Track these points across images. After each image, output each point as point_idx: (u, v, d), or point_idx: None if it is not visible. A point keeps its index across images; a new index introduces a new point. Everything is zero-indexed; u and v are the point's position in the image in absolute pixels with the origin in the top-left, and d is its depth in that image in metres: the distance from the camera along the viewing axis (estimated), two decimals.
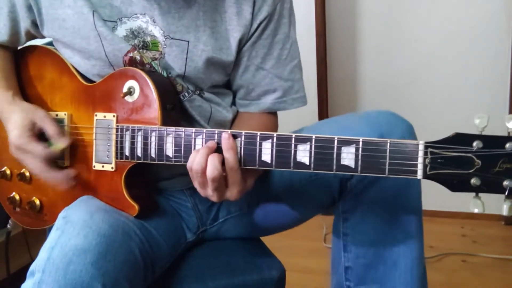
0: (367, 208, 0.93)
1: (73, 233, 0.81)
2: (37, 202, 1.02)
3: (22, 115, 0.93)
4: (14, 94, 0.98)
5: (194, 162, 0.81)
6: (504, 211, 0.71)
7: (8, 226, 1.14)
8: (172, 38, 0.94)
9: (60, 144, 0.93)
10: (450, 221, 2.31)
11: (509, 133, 0.70)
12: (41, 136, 0.94)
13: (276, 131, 1.06)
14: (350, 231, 0.96)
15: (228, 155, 0.81)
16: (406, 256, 0.92)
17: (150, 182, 1.02)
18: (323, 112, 2.42)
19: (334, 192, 0.96)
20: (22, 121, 0.92)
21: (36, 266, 0.78)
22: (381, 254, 0.93)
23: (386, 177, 0.86)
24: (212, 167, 0.80)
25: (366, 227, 0.94)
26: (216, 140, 0.83)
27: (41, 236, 1.10)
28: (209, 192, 0.83)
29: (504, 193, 0.70)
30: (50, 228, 1.02)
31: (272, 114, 1.07)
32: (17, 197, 1.05)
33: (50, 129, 0.93)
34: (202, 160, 0.81)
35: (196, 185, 0.84)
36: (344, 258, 0.97)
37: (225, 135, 0.81)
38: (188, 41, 0.94)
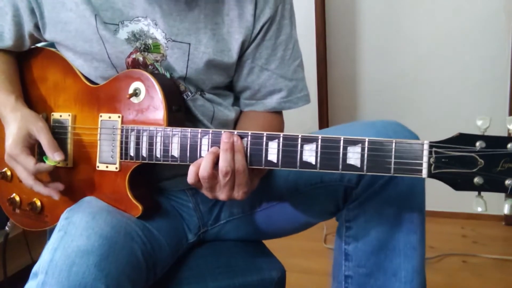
0: (371, 218, 0.93)
1: (75, 234, 0.81)
2: (38, 203, 1.02)
3: (20, 125, 0.92)
4: (17, 98, 0.98)
5: (200, 170, 0.81)
6: (506, 210, 0.72)
7: (7, 228, 1.14)
8: (173, 41, 0.94)
9: (52, 160, 0.92)
10: (450, 221, 2.32)
11: (510, 134, 0.71)
12: (37, 147, 0.94)
13: (282, 130, 1.07)
14: (352, 240, 0.96)
15: (236, 157, 0.81)
16: (407, 268, 0.92)
17: (152, 182, 1.02)
18: (323, 112, 2.43)
19: (339, 199, 0.96)
20: (18, 131, 0.92)
21: (39, 267, 0.78)
22: (382, 264, 0.93)
23: (389, 184, 0.88)
24: (225, 162, 0.80)
25: (368, 237, 0.94)
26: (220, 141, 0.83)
27: (42, 237, 1.10)
28: (217, 192, 0.84)
29: (506, 192, 0.71)
30: (51, 229, 1.02)
31: (278, 113, 1.07)
32: (17, 198, 1.04)
33: (45, 143, 0.92)
34: (208, 165, 0.81)
35: (205, 191, 0.84)
36: (345, 267, 0.97)
37: (234, 138, 0.82)
38: (190, 44, 0.94)
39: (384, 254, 0.93)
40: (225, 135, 0.82)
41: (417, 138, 0.88)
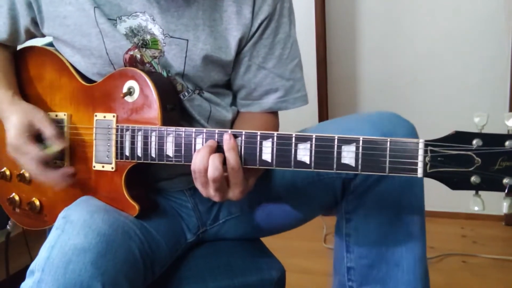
0: (370, 209, 0.93)
1: (73, 232, 0.81)
2: (37, 202, 1.02)
3: (21, 116, 0.93)
4: (14, 93, 0.99)
5: (196, 162, 0.82)
6: (504, 209, 0.71)
7: (8, 227, 1.15)
8: (171, 37, 0.94)
9: (55, 146, 0.93)
10: (450, 221, 2.31)
11: (508, 131, 0.70)
12: (39, 137, 0.94)
13: (277, 130, 1.06)
14: (353, 231, 0.96)
15: (229, 155, 0.81)
16: (409, 256, 0.92)
17: (150, 182, 1.02)
18: (323, 112, 2.42)
19: (337, 192, 0.96)
20: (21, 121, 0.93)
21: (35, 265, 0.78)
22: (384, 254, 0.93)
23: (387, 175, 0.85)
24: (213, 168, 0.80)
25: (369, 227, 0.94)
26: (217, 140, 0.83)
27: (41, 236, 1.10)
28: (211, 192, 0.84)
29: (504, 190, 0.70)
30: (50, 229, 1.02)
31: (273, 113, 1.07)
32: (16, 198, 1.05)
33: (47, 130, 0.93)
34: (204, 159, 0.81)
35: (198, 185, 0.84)
36: (347, 258, 0.97)
37: (226, 136, 0.82)
38: (187, 40, 0.94)
39: (386, 245, 0.93)
40: (210, 141, 0.82)
41: (413, 127, 0.89)
